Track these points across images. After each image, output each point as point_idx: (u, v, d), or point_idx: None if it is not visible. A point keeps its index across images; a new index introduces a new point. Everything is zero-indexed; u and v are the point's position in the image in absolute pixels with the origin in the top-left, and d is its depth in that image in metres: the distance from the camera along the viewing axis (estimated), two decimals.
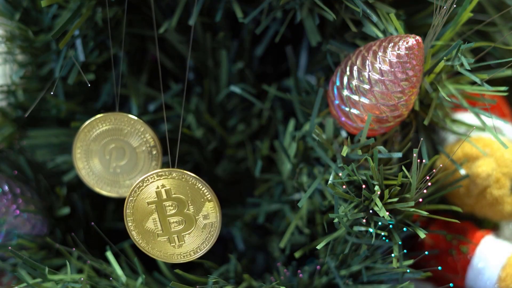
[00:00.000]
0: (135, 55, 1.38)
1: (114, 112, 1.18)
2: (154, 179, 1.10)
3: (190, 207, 1.10)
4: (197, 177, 1.09)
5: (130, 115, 1.17)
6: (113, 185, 1.21)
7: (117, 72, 1.26)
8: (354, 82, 1.12)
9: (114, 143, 1.19)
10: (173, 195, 1.10)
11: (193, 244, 1.12)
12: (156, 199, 1.10)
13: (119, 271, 1.21)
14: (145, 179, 1.10)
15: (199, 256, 1.12)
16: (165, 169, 1.09)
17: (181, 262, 1.13)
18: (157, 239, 1.11)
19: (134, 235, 1.11)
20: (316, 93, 1.20)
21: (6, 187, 1.27)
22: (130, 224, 1.11)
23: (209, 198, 1.10)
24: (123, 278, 1.20)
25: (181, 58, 1.37)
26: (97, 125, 1.18)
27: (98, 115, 1.17)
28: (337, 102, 1.16)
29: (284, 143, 1.29)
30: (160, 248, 1.12)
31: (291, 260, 1.31)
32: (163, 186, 1.10)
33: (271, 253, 1.38)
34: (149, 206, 1.11)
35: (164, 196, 1.10)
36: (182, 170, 1.09)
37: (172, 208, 1.10)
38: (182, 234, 1.11)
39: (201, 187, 1.09)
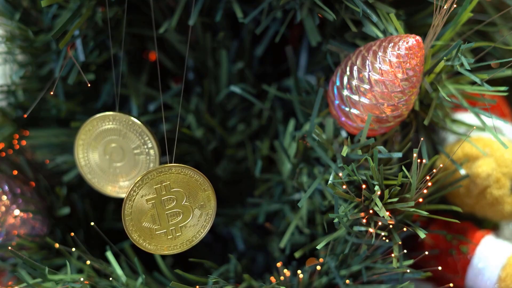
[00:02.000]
0: (135, 55, 1.38)
1: (114, 112, 1.18)
2: (154, 176, 1.10)
3: (188, 199, 1.11)
4: (195, 169, 1.11)
5: (129, 116, 1.17)
6: (113, 184, 1.21)
7: (117, 72, 1.26)
8: (354, 82, 1.12)
9: (114, 143, 1.19)
10: (172, 190, 1.11)
11: (189, 233, 1.13)
12: (156, 195, 1.11)
13: (119, 271, 1.21)
14: (144, 178, 1.10)
15: (194, 244, 1.14)
16: (164, 165, 1.11)
17: (178, 252, 1.14)
18: (155, 233, 1.13)
19: (132, 233, 1.12)
20: (316, 93, 1.20)
21: (6, 187, 1.27)
22: (128, 223, 1.11)
23: (205, 188, 1.11)
24: (123, 278, 1.20)
25: (181, 58, 1.36)
26: (98, 124, 1.18)
27: (99, 114, 1.17)
28: (337, 102, 1.16)
29: (284, 143, 1.29)
30: (157, 242, 1.13)
31: (291, 260, 1.31)
32: (162, 182, 1.11)
33: (271, 253, 1.38)
34: (148, 203, 1.11)
35: (164, 192, 1.11)
36: (180, 165, 1.10)
37: (170, 202, 1.12)
38: (180, 225, 1.13)
39: (198, 178, 1.11)
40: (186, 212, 1.12)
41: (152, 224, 1.12)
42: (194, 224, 1.13)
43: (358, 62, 1.12)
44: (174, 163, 1.12)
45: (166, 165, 1.11)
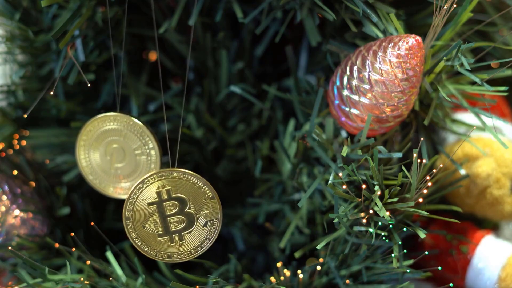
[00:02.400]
0: (135, 55, 1.38)
1: (115, 112, 1.18)
2: (155, 179, 1.10)
3: (191, 206, 1.10)
4: (198, 175, 1.09)
5: (130, 116, 1.17)
6: (114, 185, 1.21)
7: (117, 72, 1.26)
8: (354, 82, 1.12)
9: (116, 143, 1.19)
10: (174, 195, 1.10)
11: (193, 242, 1.12)
12: (157, 199, 1.10)
13: (119, 271, 1.21)
14: (145, 180, 1.10)
15: (199, 254, 1.12)
16: (165, 169, 1.09)
17: (182, 261, 1.13)
18: (157, 239, 1.11)
19: (133, 237, 1.11)
20: (316, 93, 1.20)
21: (6, 187, 1.27)
22: (129, 226, 1.11)
23: (210, 196, 1.10)
24: (123, 278, 1.20)
25: (181, 58, 1.37)
26: (100, 124, 1.18)
27: (100, 115, 1.17)
28: (337, 102, 1.16)
29: (284, 143, 1.29)
30: (161, 248, 1.12)
31: (291, 260, 1.31)
32: (163, 186, 1.10)
33: (271, 253, 1.38)
34: (150, 207, 1.10)
35: (165, 196, 1.10)
36: (183, 170, 1.09)
37: (172, 208, 1.11)
38: (183, 233, 1.11)
39: (202, 185, 1.09)
40: (190, 219, 1.11)
41: (154, 229, 1.11)
42: (199, 233, 1.12)
43: (358, 62, 1.12)
44: (176, 166, 1.11)
45: (167, 169, 1.10)
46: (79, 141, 1.19)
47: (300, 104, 1.27)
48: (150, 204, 1.10)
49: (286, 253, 1.32)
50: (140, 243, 1.11)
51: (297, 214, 1.26)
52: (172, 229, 1.11)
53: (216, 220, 1.11)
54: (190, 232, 1.11)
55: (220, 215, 1.11)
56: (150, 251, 1.12)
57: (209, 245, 1.12)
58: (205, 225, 1.11)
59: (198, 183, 1.09)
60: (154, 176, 1.09)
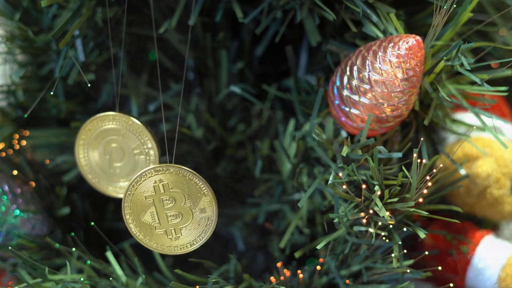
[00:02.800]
0: (135, 55, 1.38)
1: (114, 112, 1.18)
2: (152, 174, 1.11)
3: (187, 201, 1.12)
4: (194, 172, 1.11)
5: (129, 116, 1.17)
6: (113, 185, 1.21)
7: (117, 72, 1.26)
8: (354, 82, 1.12)
9: (115, 143, 1.19)
10: (171, 190, 1.12)
11: (189, 236, 1.13)
12: (154, 193, 1.12)
13: (119, 271, 1.21)
14: (143, 174, 1.11)
15: (195, 248, 1.14)
16: (162, 165, 1.11)
17: (178, 254, 1.15)
18: (155, 231, 1.13)
19: (132, 228, 1.14)
20: (316, 93, 1.20)
21: (6, 187, 1.27)
22: (128, 217, 1.13)
23: (205, 193, 1.11)
24: (123, 278, 1.20)
25: (181, 58, 1.36)
26: (99, 124, 1.18)
27: (100, 114, 1.17)
28: (337, 102, 1.16)
29: (284, 143, 1.29)
30: (157, 240, 1.14)
31: (291, 260, 1.31)
32: (160, 180, 1.11)
33: (271, 253, 1.38)
34: (147, 200, 1.12)
35: (162, 190, 1.12)
36: (179, 166, 1.11)
37: (169, 202, 1.12)
38: (179, 227, 1.13)
39: (198, 182, 1.11)
40: (186, 214, 1.13)
41: (151, 221, 1.13)
42: (195, 228, 1.13)
43: (358, 62, 1.12)
44: (174, 164, 1.12)
45: (164, 164, 1.11)
46: (78, 140, 1.20)
47: (300, 104, 1.27)
48: (147, 197, 1.12)
49: (286, 253, 1.32)
50: (138, 233, 1.13)
51: (297, 214, 1.26)
52: (169, 223, 1.13)
53: (212, 216, 1.12)
54: (186, 227, 1.13)
55: (215, 211, 1.12)
56: (148, 242, 1.14)
57: (205, 240, 1.14)
58: (200, 221, 1.12)
59: (194, 179, 1.11)
60: (152, 170, 1.11)
